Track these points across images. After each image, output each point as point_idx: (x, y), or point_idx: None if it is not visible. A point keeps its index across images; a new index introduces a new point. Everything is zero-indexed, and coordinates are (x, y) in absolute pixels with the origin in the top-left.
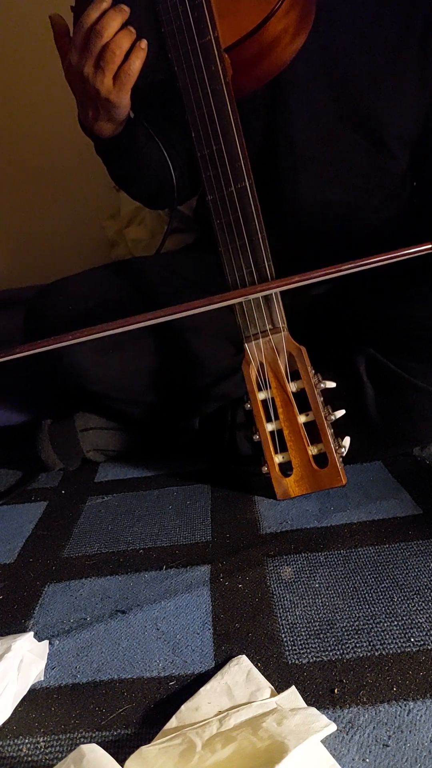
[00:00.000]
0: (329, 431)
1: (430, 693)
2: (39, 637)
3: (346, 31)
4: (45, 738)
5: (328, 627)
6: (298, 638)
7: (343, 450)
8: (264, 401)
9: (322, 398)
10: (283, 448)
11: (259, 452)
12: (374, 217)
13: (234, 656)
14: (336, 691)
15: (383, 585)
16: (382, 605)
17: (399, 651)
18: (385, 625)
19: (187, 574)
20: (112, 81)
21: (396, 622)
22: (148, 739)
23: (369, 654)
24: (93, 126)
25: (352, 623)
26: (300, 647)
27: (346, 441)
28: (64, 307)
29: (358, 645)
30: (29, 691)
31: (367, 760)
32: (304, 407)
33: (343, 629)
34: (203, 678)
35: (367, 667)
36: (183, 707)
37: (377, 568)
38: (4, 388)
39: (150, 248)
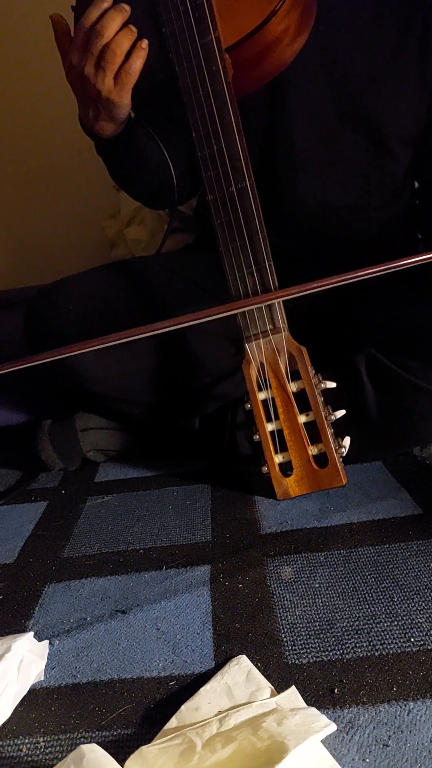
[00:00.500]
0: (329, 431)
1: (430, 693)
2: (39, 637)
3: (346, 31)
4: (45, 738)
5: (328, 627)
6: (298, 638)
7: (343, 450)
8: (264, 401)
9: (322, 398)
10: (283, 448)
11: (259, 452)
12: (375, 218)
13: (234, 656)
14: (336, 691)
15: (383, 585)
16: (382, 605)
17: (399, 651)
18: (385, 625)
19: (187, 574)
20: (113, 81)
21: (396, 622)
22: (148, 739)
23: (369, 654)
24: (94, 126)
25: (352, 623)
26: (300, 647)
27: (347, 441)
28: (64, 307)
29: (358, 645)
30: (29, 691)
31: (367, 760)
32: (304, 407)
33: (343, 629)
34: (203, 678)
35: (367, 667)
36: (183, 707)
37: (377, 568)
38: (4, 388)
39: (150, 248)
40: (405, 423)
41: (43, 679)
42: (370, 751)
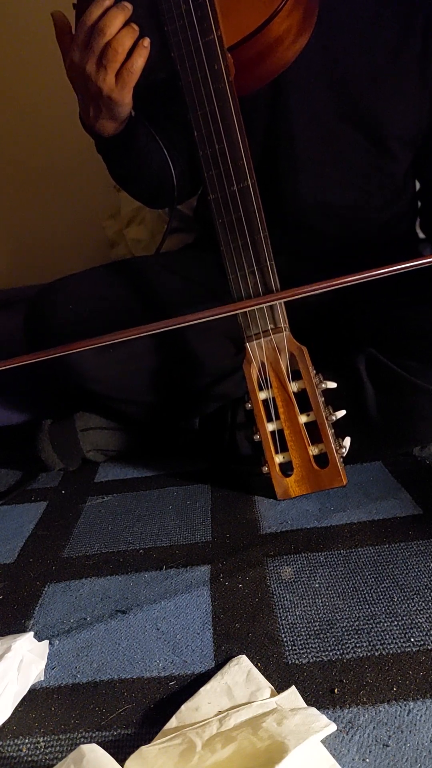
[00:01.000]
0: (330, 431)
1: (430, 693)
2: (39, 637)
3: (347, 31)
4: (45, 738)
5: (328, 627)
6: (298, 638)
7: (343, 450)
8: (265, 401)
9: (323, 398)
10: (283, 448)
11: (259, 452)
12: (375, 218)
13: (234, 656)
14: (336, 691)
15: (383, 585)
16: (382, 605)
17: (399, 651)
18: (385, 625)
19: (187, 574)
20: (114, 79)
21: (396, 622)
22: (148, 739)
23: (369, 654)
24: (94, 124)
25: (352, 623)
26: (300, 647)
27: (347, 441)
28: (64, 306)
29: (358, 645)
30: (29, 691)
31: (367, 760)
32: (304, 407)
33: (343, 629)
34: (203, 678)
35: (367, 667)
36: (183, 707)
37: (377, 568)
38: (4, 388)
39: (150, 248)
40: (405, 423)
41: (43, 679)
42: (370, 751)
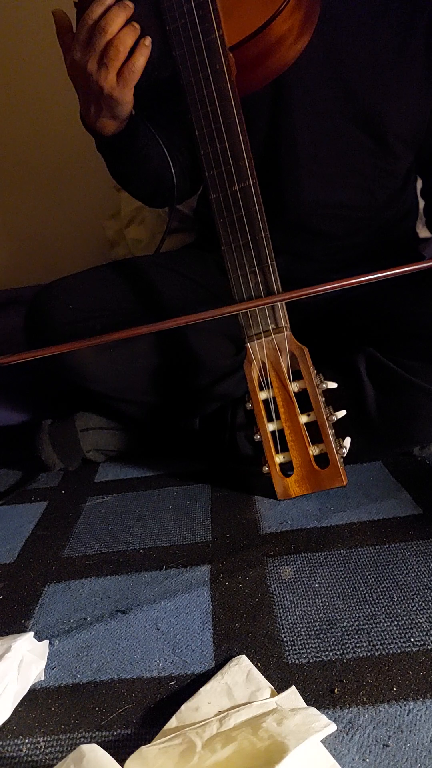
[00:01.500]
0: (330, 432)
1: (430, 693)
2: (39, 637)
3: (350, 29)
4: (45, 738)
5: (328, 627)
6: (298, 638)
7: (343, 450)
8: (265, 401)
9: (323, 398)
10: (283, 448)
11: (259, 452)
12: (377, 217)
13: (234, 656)
14: (336, 691)
15: (383, 585)
16: (382, 605)
17: (399, 651)
18: (385, 625)
19: (187, 574)
20: (115, 78)
21: (396, 622)
22: (148, 739)
23: (369, 654)
24: (95, 123)
25: (352, 623)
26: (300, 647)
27: (347, 441)
28: (64, 305)
29: (358, 645)
30: (29, 691)
31: (367, 760)
32: (305, 407)
33: (343, 629)
34: (203, 678)
35: (367, 667)
36: (183, 707)
37: (377, 568)
38: (4, 388)
39: (150, 248)
40: (405, 422)
41: (43, 679)
42: (370, 751)
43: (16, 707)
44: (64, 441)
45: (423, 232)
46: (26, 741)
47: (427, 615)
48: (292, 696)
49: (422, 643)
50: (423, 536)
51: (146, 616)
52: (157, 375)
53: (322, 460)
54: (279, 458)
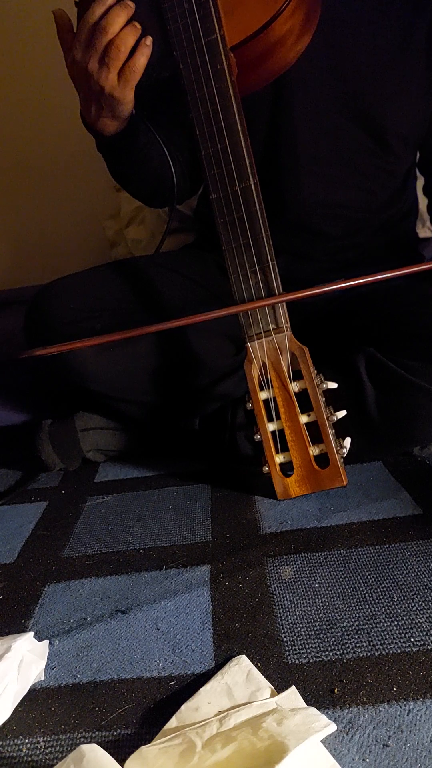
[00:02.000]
0: (331, 432)
1: (430, 693)
2: (39, 637)
3: (351, 29)
4: (45, 738)
5: (328, 627)
6: (298, 638)
7: (344, 450)
8: (266, 401)
9: (324, 399)
10: (284, 448)
11: (259, 452)
12: (377, 217)
13: (234, 656)
14: (336, 691)
15: (383, 585)
16: (382, 605)
17: (399, 651)
18: (385, 625)
19: (187, 574)
20: (116, 77)
21: (396, 622)
22: (148, 739)
23: (369, 654)
24: (96, 123)
25: (352, 623)
26: (300, 647)
27: (347, 442)
28: (65, 305)
29: (358, 645)
30: (29, 691)
31: (367, 760)
32: (305, 407)
33: (343, 629)
34: (203, 678)
35: (367, 667)
36: (183, 707)
37: (377, 568)
38: (4, 388)
39: (150, 248)
40: (405, 422)
41: (43, 679)
42: (370, 751)
43: (16, 707)
44: (64, 441)
45: (423, 232)
46: (26, 741)
47: (427, 615)
48: (292, 696)
49: (422, 643)
50: (423, 536)
51: (146, 616)
52: (158, 375)
53: (322, 460)
54: (279, 458)
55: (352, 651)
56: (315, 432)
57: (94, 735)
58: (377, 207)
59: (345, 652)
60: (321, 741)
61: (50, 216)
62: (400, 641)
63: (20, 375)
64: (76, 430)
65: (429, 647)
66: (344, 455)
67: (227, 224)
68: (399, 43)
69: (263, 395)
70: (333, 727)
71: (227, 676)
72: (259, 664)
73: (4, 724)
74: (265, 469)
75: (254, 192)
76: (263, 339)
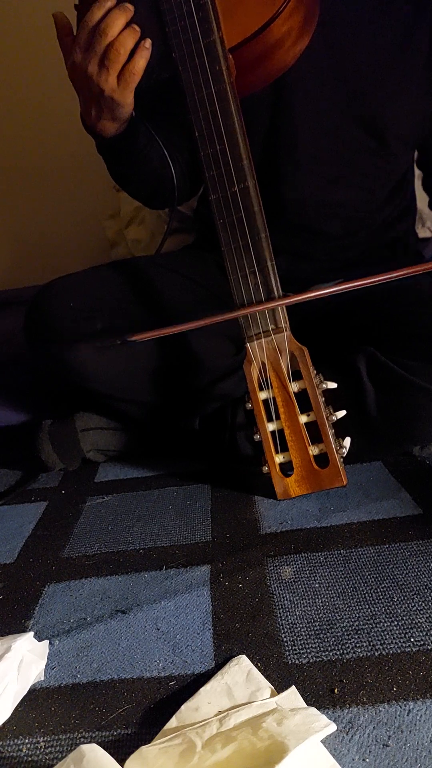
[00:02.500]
0: (330, 432)
1: (430, 693)
2: (39, 637)
3: (351, 29)
4: (45, 738)
5: (328, 627)
6: (298, 638)
7: (343, 450)
8: (265, 401)
9: (323, 398)
10: (283, 448)
11: (259, 452)
12: (376, 216)
13: (234, 656)
14: (336, 691)
15: (383, 585)
16: (382, 605)
17: (399, 651)
18: (385, 625)
19: (187, 574)
20: (116, 80)
21: (396, 622)
22: (148, 739)
23: (369, 654)
24: (96, 125)
25: (352, 623)
26: (300, 647)
27: (347, 441)
28: (65, 304)
29: (358, 645)
30: (29, 691)
31: (367, 760)
32: (305, 407)
33: (343, 629)
34: (203, 678)
35: (367, 667)
36: (183, 707)
37: (377, 568)
38: (4, 388)
39: (150, 248)
40: (405, 422)
41: (43, 679)
42: (370, 751)
43: (16, 707)
44: (64, 441)
45: (423, 232)
46: (26, 741)
47: (427, 615)
48: (292, 696)
49: (422, 643)
50: (423, 536)
51: (146, 616)
52: (157, 375)
53: (322, 459)
54: (279, 458)
55: (352, 651)
56: (315, 432)
57: (94, 735)
58: (377, 206)
59: (345, 652)
60: (321, 741)
61: (50, 216)
62: (400, 641)
63: (20, 375)
64: (76, 430)
65: (429, 647)
66: (344, 455)
67: (226, 225)
68: (399, 42)
69: (263, 395)
70: (333, 727)
71: (227, 676)
72: (259, 664)
73: (4, 724)
74: (265, 469)
75: (253, 193)
76: (262, 339)
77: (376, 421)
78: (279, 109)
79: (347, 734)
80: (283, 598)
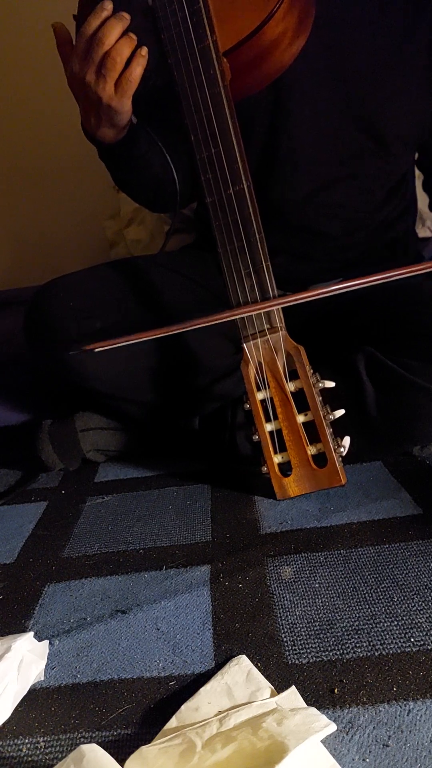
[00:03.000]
0: (328, 431)
1: (430, 693)
2: (39, 637)
3: (350, 30)
4: (45, 738)
5: (328, 627)
6: (298, 638)
7: (342, 450)
8: (263, 401)
9: (320, 398)
10: (282, 448)
11: (258, 452)
12: (375, 217)
13: (234, 656)
14: (336, 691)
15: (383, 585)
16: (382, 605)
17: (399, 651)
18: (385, 625)
19: (187, 574)
20: (113, 88)
21: (396, 622)
22: (148, 739)
23: (369, 654)
24: (96, 132)
25: (352, 623)
26: (300, 647)
27: (346, 441)
28: (65, 303)
29: (358, 645)
30: (29, 691)
31: (367, 760)
32: (302, 407)
33: (343, 629)
34: (203, 678)
35: (367, 667)
36: (183, 707)
37: (377, 568)
38: (4, 388)
39: (149, 249)
40: (405, 422)
41: (43, 679)
42: (370, 751)
43: (16, 707)
44: (64, 441)
45: (423, 232)
46: (26, 741)
47: (427, 615)
48: (292, 696)
49: (422, 643)
50: (423, 536)
51: (146, 616)
52: (157, 374)
53: (321, 459)
54: (277, 458)
55: (352, 651)
56: (313, 431)
57: (94, 735)
58: (376, 206)
59: (345, 652)
60: (321, 741)
61: (50, 216)
62: (400, 641)
63: (20, 375)
64: (76, 430)
65: (429, 647)
66: (343, 454)
67: (222, 227)
68: (399, 43)
69: (260, 395)
70: (333, 727)
71: (227, 676)
72: (259, 664)
73: (4, 724)
74: (264, 469)
75: (248, 195)
76: (258, 339)
77: (375, 421)
78: (278, 111)
79: (347, 734)
80: (283, 598)
